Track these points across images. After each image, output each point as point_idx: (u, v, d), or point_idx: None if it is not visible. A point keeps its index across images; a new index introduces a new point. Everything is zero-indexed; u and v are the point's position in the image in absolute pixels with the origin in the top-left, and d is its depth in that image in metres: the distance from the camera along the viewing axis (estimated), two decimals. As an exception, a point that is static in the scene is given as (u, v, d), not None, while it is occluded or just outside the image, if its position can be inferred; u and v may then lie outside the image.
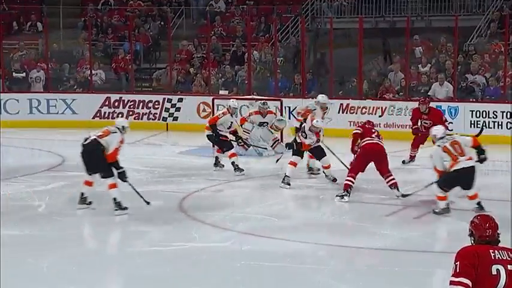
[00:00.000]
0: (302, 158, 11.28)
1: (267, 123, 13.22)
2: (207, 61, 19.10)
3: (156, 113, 17.98)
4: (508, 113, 15.33)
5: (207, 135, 12.69)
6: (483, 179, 12.32)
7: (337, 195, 10.16)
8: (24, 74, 19.34)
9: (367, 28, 18.21)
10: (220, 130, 12.38)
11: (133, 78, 19.35)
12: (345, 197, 10.08)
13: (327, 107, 12.61)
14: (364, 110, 16.14)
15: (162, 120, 17.71)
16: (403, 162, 12.65)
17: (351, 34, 18.33)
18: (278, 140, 13.58)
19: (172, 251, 8.12)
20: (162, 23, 21.56)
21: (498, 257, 4.30)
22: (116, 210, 9.48)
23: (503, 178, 12.17)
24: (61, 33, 21.28)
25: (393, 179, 10.12)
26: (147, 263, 7.64)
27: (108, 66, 20.03)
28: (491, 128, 15.45)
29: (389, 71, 17.87)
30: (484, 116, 15.55)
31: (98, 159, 9.52)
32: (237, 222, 9.25)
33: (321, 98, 12.66)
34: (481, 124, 15.15)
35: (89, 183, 9.76)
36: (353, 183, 10.13)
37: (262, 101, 13.69)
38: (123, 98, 18.39)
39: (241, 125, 13.22)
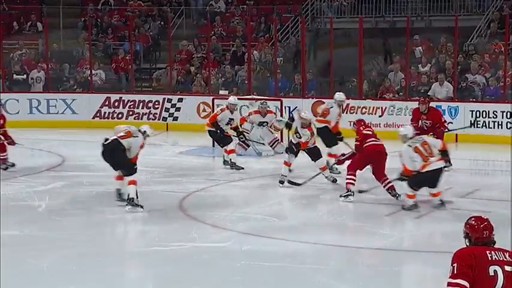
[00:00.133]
0: (296, 156, 11.26)
1: (267, 122, 13.20)
2: (207, 61, 19.09)
3: (156, 113, 17.98)
4: (508, 113, 15.30)
5: (209, 131, 12.82)
6: (483, 178, 12.38)
7: (341, 195, 10.13)
8: (24, 76, 19.34)
9: (367, 28, 18.20)
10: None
11: (133, 78, 19.35)
12: (349, 197, 10.06)
13: (342, 104, 12.69)
14: (364, 110, 16.13)
15: (162, 120, 17.69)
16: None
17: (351, 34, 18.33)
18: (278, 140, 13.57)
19: (173, 250, 8.09)
20: (162, 23, 21.57)
21: (495, 258, 4.30)
22: (127, 205, 9.55)
23: (503, 178, 12.16)
24: (61, 33, 21.28)
25: (390, 182, 10.11)
26: (148, 263, 7.64)
27: (108, 66, 20.03)
28: (491, 128, 15.46)
29: (389, 71, 17.87)
30: (484, 116, 15.53)
31: (119, 158, 9.67)
32: (237, 222, 9.25)
33: (338, 95, 12.74)
34: (481, 124, 15.20)
35: (120, 178, 9.87)
36: (355, 181, 10.13)
37: (262, 101, 13.68)
38: (123, 98, 18.38)
39: (240, 125, 13.20)
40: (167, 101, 17.99)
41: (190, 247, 8.22)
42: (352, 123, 10.68)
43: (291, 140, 11.33)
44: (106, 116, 18.36)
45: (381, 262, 7.78)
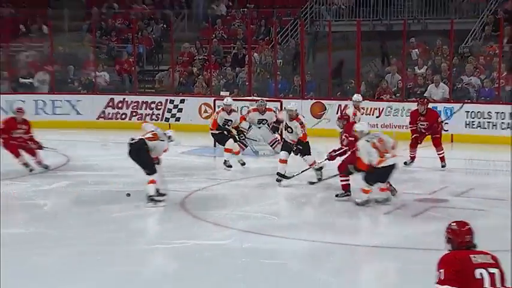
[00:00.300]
0: (290, 154, 11.27)
1: (266, 120, 13.08)
2: (208, 63, 19.11)
3: (159, 114, 17.99)
4: (503, 114, 15.31)
5: (212, 133, 12.93)
6: (478, 178, 12.35)
7: (337, 195, 10.11)
8: (31, 80, 19.35)
9: (365, 31, 18.20)
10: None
11: (137, 79, 19.37)
12: (346, 197, 10.03)
13: (358, 105, 12.67)
14: (361, 110, 16.06)
15: (165, 120, 17.68)
16: (405, 163, 12.53)
17: (349, 37, 18.32)
18: (278, 140, 13.51)
19: (175, 248, 8.07)
20: (164, 25, 21.61)
21: (479, 261, 4.31)
22: (148, 203, 9.74)
23: (498, 177, 12.19)
24: (66, 36, 21.27)
25: (388, 181, 10.06)
26: (150, 261, 7.62)
27: (112, 68, 20.07)
28: (485, 128, 15.49)
29: (386, 72, 17.87)
30: (478, 116, 15.54)
31: (144, 158, 9.80)
32: (238, 220, 9.22)
33: (355, 96, 12.84)
34: (476, 124, 15.23)
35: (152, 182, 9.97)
36: (349, 180, 10.10)
37: (260, 99, 13.61)
38: (126, 99, 18.40)
39: (239, 124, 13.15)
40: (169, 102, 18.02)
41: (193, 245, 8.20)
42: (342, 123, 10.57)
43: (284, 139, 11.38)
44: (110, 116, 18.38)
45: (379, 259, 7.75)
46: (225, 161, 12.56)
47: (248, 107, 14.66)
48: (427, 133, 12.48)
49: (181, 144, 13.82)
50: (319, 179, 11.00)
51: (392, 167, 9.59)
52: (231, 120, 12.79)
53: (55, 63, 19.66)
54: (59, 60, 19.88)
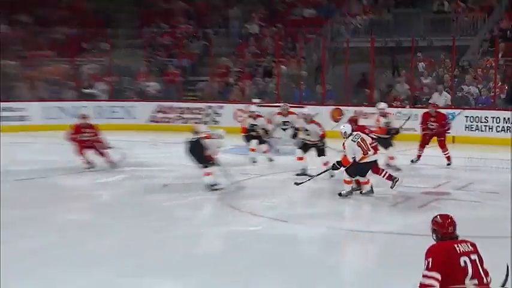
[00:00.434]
0: (306, 152, 11.27)
1: (289, 122, 12.94)
2: (242, 74, 19.13)
3: (201, 118, 18.03)
4: (498, 118, 15.24)
5: (243, 136, 12.99)
6: (477, 174, 12.19)
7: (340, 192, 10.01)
8: (93, 90, 19.53)
9: (378, 47, 18.10)
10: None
11: (181, 88, 19.45)
12: (353, 192, 9.92)
13: (385, 113, 12.30)
14: (388, 115, 15.95)
15: (205, 124, 17.68)
16: (412, 161, 12.42)
17: (364, 52, 18.20)
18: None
19: (214, 234, 8.08)
20: (205, 42, 21.63)
21: (462, 250, 4.23)
22: (209, 191, 9.99)
23: (494, 174, 12.06)
24: (122, 51, 21.45)
25: (386, 172, 9.96)
26: (191, 245, 7.58)
27: (160, 79, 20.17)
28: (483, 131, 15.43)
29: (396, 82, 17.78)
30: (477, 121, 15.45)
31: (200, 154, 10.03)
32: (267, 210, 9.19)
33: (381, 104, 12.58)
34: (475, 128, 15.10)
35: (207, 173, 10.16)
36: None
37: (284, 104, 13.51)
38: (173, 106, 18.48)
39: (266, 126, 13.06)
40: (209, 108, 18.04)
41: (228, 231, 8.19)
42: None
43: (303, 141, 11.37)
44: (158, 120, 18.46)
45: (390, 244, 7.67)
46: (251, 158, 12.72)
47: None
48: (435, 132, 12.36)
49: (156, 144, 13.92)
50: (332, 176, 10.92)
51: (371, 163, 9.59)
52: (257, 125, 12.82)
53: (113, 75, 19.82)
54: (116, 73, 20.05)
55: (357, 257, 7.30)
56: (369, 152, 9.51)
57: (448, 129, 12.67)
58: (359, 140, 9.53)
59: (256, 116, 12.97)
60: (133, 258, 7.02)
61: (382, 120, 12.04)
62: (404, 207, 9.34)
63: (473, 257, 4.23)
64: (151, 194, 10.16)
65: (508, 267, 4.53)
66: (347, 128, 9.84)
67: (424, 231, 8.03)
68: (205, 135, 10.19)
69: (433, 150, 12.58)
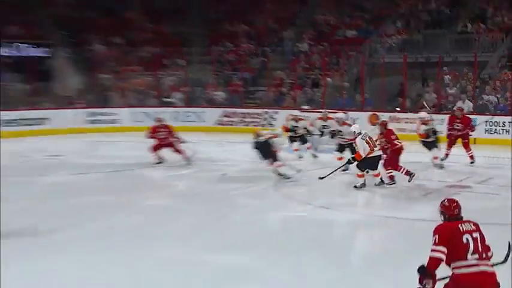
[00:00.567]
0: (342, 152, 11.23)
1: (328, 126, 12.68)
2: (294, 85, 19.08)
3: (259, 122, 18.05)
4: (514, 123, 14.79)
5: (287, 137, 12.85)
6: (495, 171, 11.83)
7: (386, 184, 9.85)
8: (172, 99, 19.78)
9: (410, 62, 17.75)
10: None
11: (243, 97, 19.52)
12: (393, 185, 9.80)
13: (426, 121, 11.84)
14: (406, 120, 15.73)
15: (262, 126, 17.74)
16: (441, 159, 12.11)
17: (397, 66, 17.89)
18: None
19: (267, 219, 8.08)
20: (263, 58, 21.66)
21: (465, 229, 4.17)
22: (282, 179, 10.14)
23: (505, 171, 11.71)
24: (195, 66, 21.69)
25: (404, 168, 9.87)
26: (249, 228, 7.61)
27: (226, 89, 20.28)
28: (501, 134, 14.96)
29: (425, 92, 17.42)
30: (495, 125, 15.03)
31: (268, 151, 10.25)
32: (314, 199, 9.14)
33: (423, 114, 12.19)
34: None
35: (278, 166, 10.36)
36: (392, 172, 9.88)
37: (324, 110, 13.30)
38: (236, 111, 18.57)
39: (307, 128, 12.92)
40: (266, 113, 18.05)
41: (280, 216, 8.19)
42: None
43: (339, 142, 11.33)
44: (224, 123, 18.58)
45: (422, 229, 7.51)
46: (297, 154, 12.65)
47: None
48: (460, 134, 12.03)
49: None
50: (344, 170, 10.71)
51: (377, 157, 9.49)
52: (298, 126, 12.70)
53: (187, 86, 20.05)
54: (190, 84, 20.27)
55: (389, 240, 7.19)
56: (375, 148, 9.42)
57: (473, 131, 12.34)
58: (367, 138, 9.43)
59: (298, 119, 12.85)
60: (203, 237, 7.13)
61: (423, 127, 11.75)
62: (432, 197, 9.14)
63: (475, 235, 4.16)
64: (218, 185, 10.25)
65: (509, 244, 4.46)
66: (356, 128, 9.74)
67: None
68: (272, 135, 10.35)
69: (458, 150, 12.27)
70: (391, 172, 9.84)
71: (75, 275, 5.88)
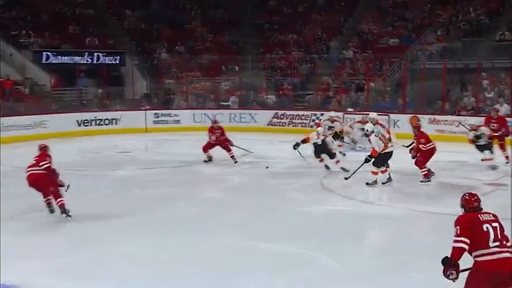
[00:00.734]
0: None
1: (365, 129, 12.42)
2: (339, 89, 18.90)
3: (307, 123, 17.95)
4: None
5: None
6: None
7: (421, 181, 9.61)
8: (228, 102, 19.92)
9: (449, 68, 17.29)
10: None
11: (293, 100, 19.48)
12: (428, 182, 9.62)
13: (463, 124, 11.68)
14: (445, 122, 15.31)
15: (310, 127, 17.65)
16: (482, 160, 11.40)
17: (437, 72, 17.45)
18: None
19: (312, 211, 8.06)
20: (311, 65, 21.55)
21: (485, 219, 4.13)
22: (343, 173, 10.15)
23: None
24: (249, 72, 21.79)
25: (427, 169, 9.65)
26: (296, 219, 7.63)
27: (277, 93, 20.29)
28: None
29: (464, 96, 16.93)
30: (531, 126, 14.40)
31: (327, 149, 10.70)
32: (355, 194, 9.05)
33: (467, 121, 12.00)
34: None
35: (322, 160, 10.72)
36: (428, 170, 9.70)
37: (365, 114, 13.09)
38: (286, 113, 18.54)
39: (343, 129, 12.90)
40: (314, 115, 17.95)
41: (322, 209, 8.15)
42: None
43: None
44: (275, 124, 18.58)
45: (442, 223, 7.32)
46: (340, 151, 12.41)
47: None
48: (497, 135, 11.58)
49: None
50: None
51: (390, 153, 9.32)
52: (334, 127, 12.54)
53: (242, 90, 20.17)
54: (244, 88, 20.38)
55: (427, 233, 7.06)
56: (388, 144, 9.27)
57: (508, 135, 11.87)
58: (380, 135, 9.31)
59: (334, 120, 12.71)
60: (255, 227, 7.19)
61: (471, 133, 11.40)
62: (456, 192, 8.83)
63: (494, 224, 4.11)
64: (269, 180, 10.29)
65: None
66: (370, 126, 9.62)
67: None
68: (326, 136, 10.60)
69: (495, 150, 11.83)
70: (425, 171, 9.67)
71: (139, 257, 6.05)
